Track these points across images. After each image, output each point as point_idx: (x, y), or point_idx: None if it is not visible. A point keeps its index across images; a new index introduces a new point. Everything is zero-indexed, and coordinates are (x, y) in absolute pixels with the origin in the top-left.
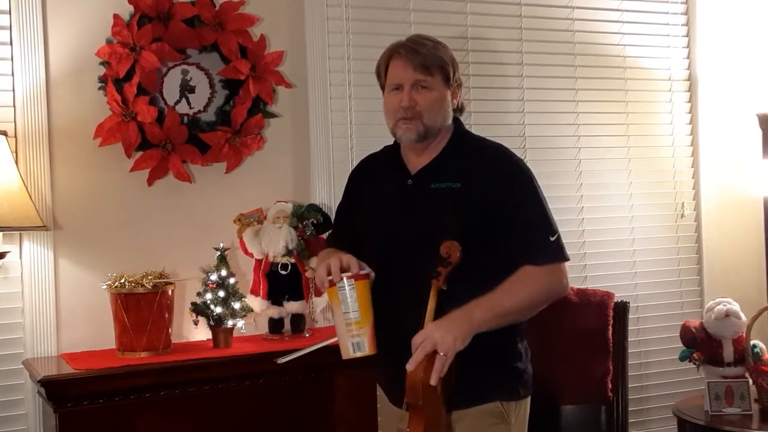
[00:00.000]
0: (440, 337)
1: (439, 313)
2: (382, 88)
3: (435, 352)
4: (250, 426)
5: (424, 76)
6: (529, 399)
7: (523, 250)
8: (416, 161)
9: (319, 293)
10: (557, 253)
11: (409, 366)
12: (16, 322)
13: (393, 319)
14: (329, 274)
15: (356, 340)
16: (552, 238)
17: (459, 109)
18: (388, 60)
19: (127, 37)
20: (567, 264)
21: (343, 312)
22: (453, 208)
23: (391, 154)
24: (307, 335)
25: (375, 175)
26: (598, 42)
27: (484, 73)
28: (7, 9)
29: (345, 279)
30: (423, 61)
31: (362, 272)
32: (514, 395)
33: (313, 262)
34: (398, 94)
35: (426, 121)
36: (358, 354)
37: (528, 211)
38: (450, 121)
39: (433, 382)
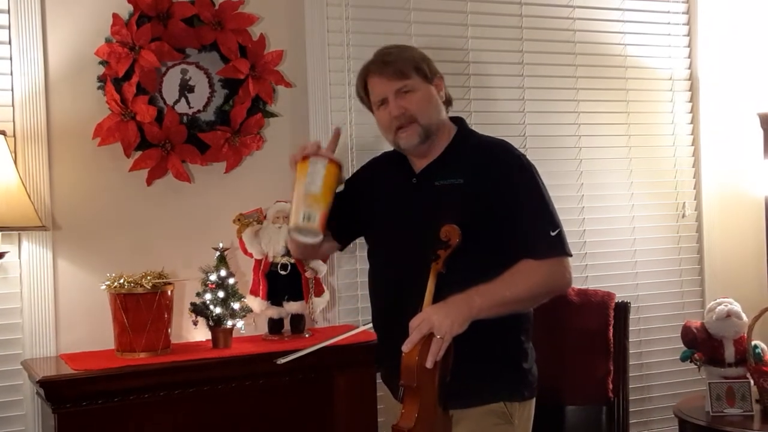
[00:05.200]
0: (437, 320)
1: (438, 300)
2: (370, 109)
3: (432, 335)
4: (250, 426)
5: (402, 81)
6: (533, 401)
7: (524, 243)
8: (420, 160)
9: (319, 293)
10: (558, 248)
11: (405, 347)
12: (14, 322)
13: (397, 310)
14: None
15: (309, 211)
16: (553, 233)
17: (448, 101)
18: (365, 82)
19: (127, 36)
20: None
21: (306, 183)
22: (456, 202)
23: (395, 155)
24: (306, 335)
25: (381, 174)
26: (599, 41)
27: (485, 72)
28: (6, 8)
29: (320, 156)
30: (395, 69)
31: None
32: (518, 396)
33: (314, 262)
34: (386, 107)
35: (421, 121)
36: (305, 225)
37: (529, 206)
38: (443, 115)
39: (428, 364)
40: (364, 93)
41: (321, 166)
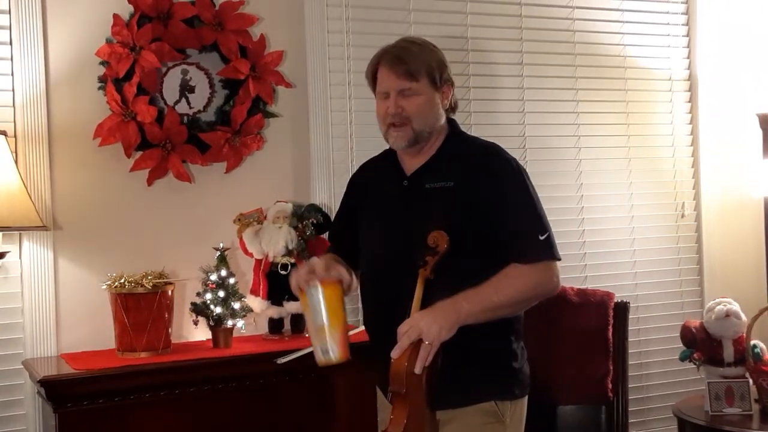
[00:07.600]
0: (426, 326)
1: (426, 305)
2: (374, 92)
3: (421, 341)
4: (250, 426)
5: (409, 83)
6: (525, 399)
7: (513, 248)
8: (411, 163)
9: None
10: (546, 252)
11: (394, 353)
12: (15, 322)
13: (386, 314)
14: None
15: (324, 346)
16: (542, 237)
17: (452, 108)
18: (376, 66)
19: (127, 36)
20: (565, 263)
21: (311, 318)
22: (446, 206)
23: (387, 157)
24: (306, 335)
25: (372, 177)
26: (599, 42)
27: (484, 73)
28: (7, 9)
29: (311, 285)
30: (407, 69)
31: (332, 276)
32: (509, 395)
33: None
34: (386, 101)
35: (415, 125)
36: (326, 360)
37: (518, 210)
38: (442, 122)
39: (417, 370)
40: (372, 78)
41: (317, 294)
